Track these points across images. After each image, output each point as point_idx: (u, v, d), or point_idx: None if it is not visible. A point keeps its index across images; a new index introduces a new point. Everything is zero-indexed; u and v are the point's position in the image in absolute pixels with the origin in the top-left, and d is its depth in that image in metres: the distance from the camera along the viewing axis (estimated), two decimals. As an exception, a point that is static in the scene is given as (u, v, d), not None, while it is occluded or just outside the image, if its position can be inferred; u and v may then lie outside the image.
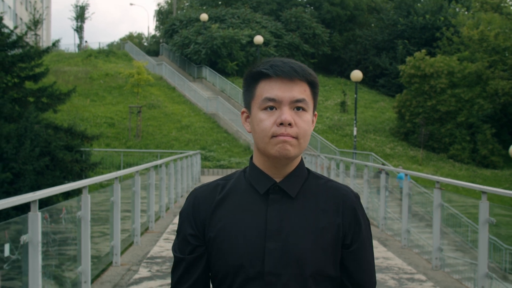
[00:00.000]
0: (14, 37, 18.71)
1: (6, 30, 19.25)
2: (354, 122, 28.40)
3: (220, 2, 51.29)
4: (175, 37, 46.83)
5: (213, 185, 1.85)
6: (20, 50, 19.14)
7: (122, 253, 8.55)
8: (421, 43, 45.94)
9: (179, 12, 58.60)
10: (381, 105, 42.65)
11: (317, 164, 20.76)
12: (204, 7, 51.56)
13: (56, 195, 15.18)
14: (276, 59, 1.78)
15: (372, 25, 53.53)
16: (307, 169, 1.86)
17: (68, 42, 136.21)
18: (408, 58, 36.85)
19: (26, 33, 19.57)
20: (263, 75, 1.75)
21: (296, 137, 1.72)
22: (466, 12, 45.56)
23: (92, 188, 15.19)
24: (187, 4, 63.86)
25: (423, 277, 7.65)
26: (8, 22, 45.56)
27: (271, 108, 1.73)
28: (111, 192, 8.23)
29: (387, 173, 11.89)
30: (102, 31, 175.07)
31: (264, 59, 1.81)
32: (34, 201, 4.96)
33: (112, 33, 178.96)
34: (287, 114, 1.70)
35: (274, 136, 1.71)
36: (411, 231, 10.77)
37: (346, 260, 1.78)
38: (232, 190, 1.82)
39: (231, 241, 1.74)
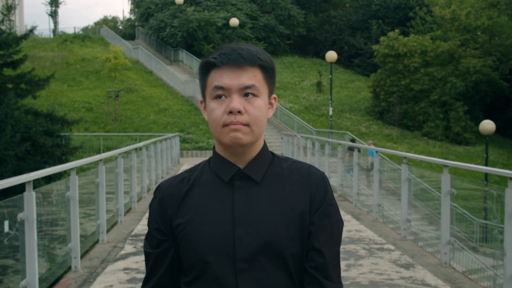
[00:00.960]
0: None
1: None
2: (330, 102, 28.93)
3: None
4: (151, 20, 46.88)
5: (179, 178, 1.85)
6: (-3, 37, 19.31)
7: (107, 231, 8.97)
8: (395, 23, 46.57)
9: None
10: (357, 85, 43.26)
11: (294, 144, 21.23)
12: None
13: (38, 179, 15.55)
14: (227, 46, 1.77)
15: (347, 5, 53.92)
16: (271, 152, 1.86)
17: (42, 27, 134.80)
18: (382, 38, 37.47)
19: (2, 20, 19.74)
20: (211, 64, 1.75)
21: (247, 125, 1.72)
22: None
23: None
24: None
25: (392, 247, 8.18)
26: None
27: (220, 96, 1.73)
28: (96, 173, 8.61)
29: (359, 150, 12.39)
30: (76, 14, 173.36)
31: (218, 46, 1.82)
32: (28, 182, 5.38)
33: (86, 17, 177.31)
34: (235, 102, 1.70)
35: (225, 125, 1.72)
36: (384, 206, 11.31)
37: (310, 228, 1.76)
38: (197, 181, 1.82)
39: (200, 231, 1.74)
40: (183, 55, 43.57)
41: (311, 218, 1.75)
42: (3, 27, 21.34)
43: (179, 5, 45.08)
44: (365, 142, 28.25)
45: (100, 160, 8.55)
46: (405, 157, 8.97)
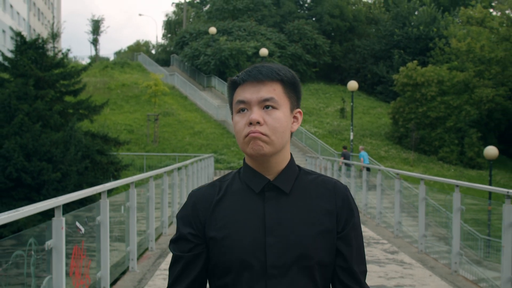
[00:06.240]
0: (57, 58, 22.10)
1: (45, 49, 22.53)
2: (351, 127, 31.45)
3: (227, 15, 54.38)
4: (186, 49, 50.06)
5: (211, 186, 1.90)
6: (61, 69, 22.42)
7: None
8: (416, 53, 49.06)
9: (186, 22, 61.76)
10: (378, 111, 45.61)
11: (317, 165, 23.83)
12: (213, 20, 54.60)
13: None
14: (252, 66, 1.86)
15: (371, 35, 56.41)
16: (298, 166, 1.91)
17: (80, 52, 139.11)
18: (401, 68, 39.92)
19: (66, 55, 22.86)
20: (235, 82, 1.85)
21: (266, 135, 1.77)
22: (458, 23, 48.64)
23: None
24: (193, 13, 67.11)
25: (385, 241, 10.78)
26: (23, 34, 48.59)
27: (243, 110, 1.81)
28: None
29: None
30: (107, 36, 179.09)
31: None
32: (132, 182, 8.11)
33: (116, 39, 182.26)
34: (255, 113, 1.77)
35: (246, 136, 1.78)
36: (387, 215, 13.83)
37: (339, 245, 1.83)
38: (229, 190, 1.87)
39: (232, 238, 1.79)
40: (216, 81, 46.55)
41: (340, 234, 1.84)
42: (53, 55, 24.20)
43: (213, 35, 48.23)
44: (381, 164, 30.69)
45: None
46: (397, 174, 11.61)
